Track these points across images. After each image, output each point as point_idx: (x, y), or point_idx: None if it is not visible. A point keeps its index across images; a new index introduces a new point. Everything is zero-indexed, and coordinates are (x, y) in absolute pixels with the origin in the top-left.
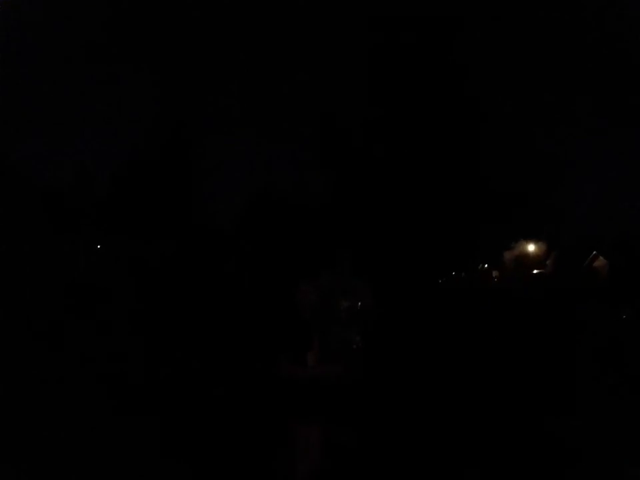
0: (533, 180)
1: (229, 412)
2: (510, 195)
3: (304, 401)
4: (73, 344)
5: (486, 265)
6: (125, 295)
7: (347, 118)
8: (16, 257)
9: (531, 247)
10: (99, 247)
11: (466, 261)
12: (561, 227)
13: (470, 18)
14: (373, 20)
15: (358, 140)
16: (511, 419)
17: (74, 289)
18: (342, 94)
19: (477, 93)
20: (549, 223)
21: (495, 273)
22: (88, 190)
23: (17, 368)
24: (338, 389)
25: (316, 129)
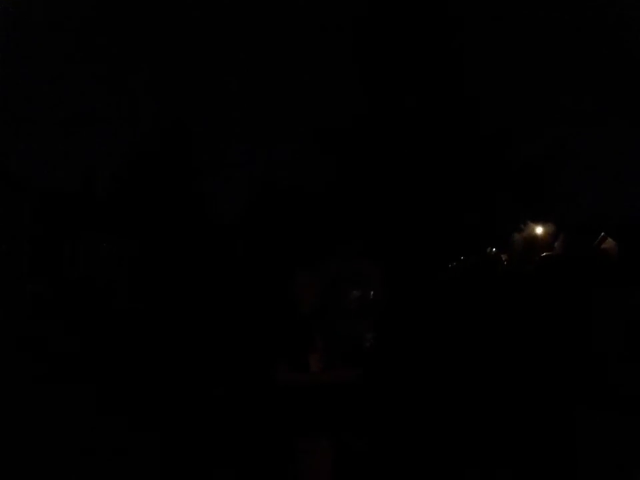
0: (541, 161)
1: (227, 424)
2: (518, 177)
3: (309, 411)
4: (72, 343)
5: (494, 249)
6: (126, 294)
7: (347, 104)
8: (16, 257)
9: (539, 229)
10: (103, 245)
11: (475, 245)
12: (569, 208)
13: (470, 14)
14: (364, 11)
15: (360, 123)
16: (530, 414)
17: (76, 288)
18: (339, 83)
19: (480, 77)
20: (558, 204)
21: (504, 257)
22: (90, 190)
23: (15, 367)
24: (349, 395)
25: (316, 117)
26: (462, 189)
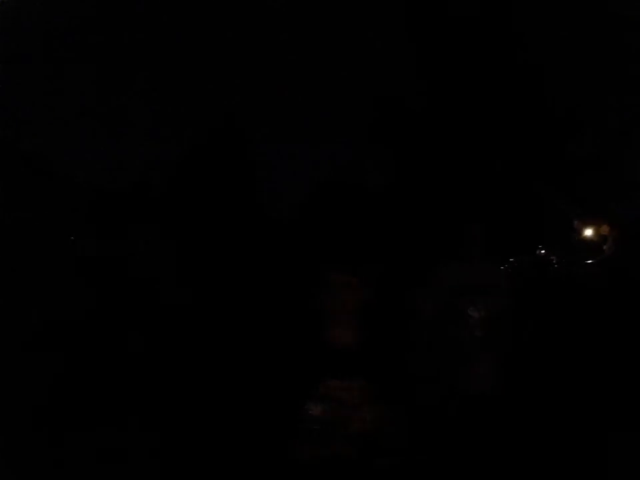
0: (598, 157)
1: None
2: (572, 173)
3: None
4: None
5: (543, 251)
6: (177, 290)
7: (406, 95)
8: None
9: (589, 231)
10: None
11: (527, 245)
12: (624, 206)
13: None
14: None
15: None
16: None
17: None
18: (396, 73)
19: (537, 66)
20: (613, 201)
21: (553, 258)
22: (143, 186)
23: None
24: None
25: (374, 110)
26: (516, 184)
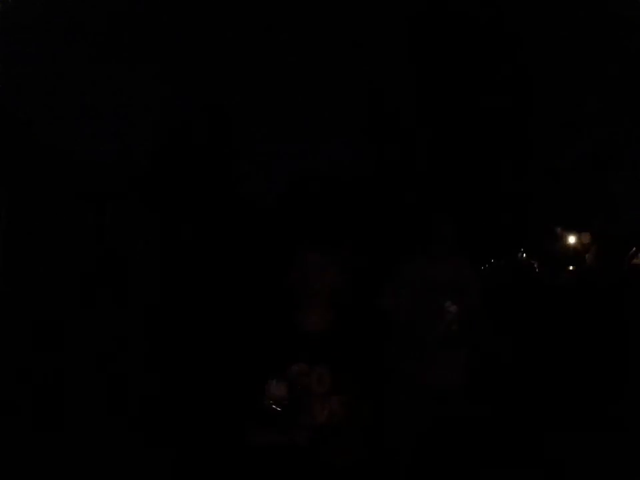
0: (585, 166)
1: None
2: (561, 179)
3: None
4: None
5: (524, 255)
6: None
7: (396, 90)
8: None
9: (573, 239)
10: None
11: (507, 248)
12: (609, 218)
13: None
14: None
15: (409, 115)
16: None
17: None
18: (386, 67)
19: (528, 69)
20: (598, 212)
21: (534, 263)
22: (126, 166)
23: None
24: None
25: (364, 105)
26: (500, 186)
